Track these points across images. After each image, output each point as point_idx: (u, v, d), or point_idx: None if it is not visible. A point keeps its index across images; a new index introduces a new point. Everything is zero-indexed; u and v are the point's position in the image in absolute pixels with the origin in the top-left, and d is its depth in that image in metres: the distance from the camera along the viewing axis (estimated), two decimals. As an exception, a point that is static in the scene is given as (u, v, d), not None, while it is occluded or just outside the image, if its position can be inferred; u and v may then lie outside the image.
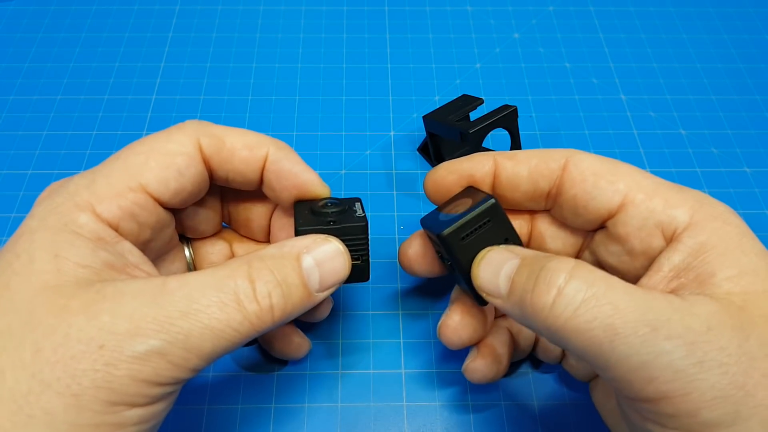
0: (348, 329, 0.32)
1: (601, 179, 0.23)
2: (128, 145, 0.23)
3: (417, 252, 0.27)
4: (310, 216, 0.24)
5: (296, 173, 0.25)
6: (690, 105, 0.43)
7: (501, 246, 0.23)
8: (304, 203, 0.25)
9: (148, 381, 0.18)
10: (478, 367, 0.27)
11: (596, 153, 0.40)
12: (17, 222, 0.36)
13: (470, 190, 0.25)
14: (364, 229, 0.24)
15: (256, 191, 0.27)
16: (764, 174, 0.39)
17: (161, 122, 0.41)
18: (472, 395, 0.30)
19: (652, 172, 0.40)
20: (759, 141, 0.41)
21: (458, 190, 0.26)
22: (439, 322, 0.27)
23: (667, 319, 0.18)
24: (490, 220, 0.23)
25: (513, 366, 0.31)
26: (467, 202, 0.24)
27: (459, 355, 0.29)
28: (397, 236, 0.36)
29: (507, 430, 0.29)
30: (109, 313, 0.18)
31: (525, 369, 0.31)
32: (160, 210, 0.23)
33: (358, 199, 0.26)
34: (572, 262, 0.20)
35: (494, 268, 0.22)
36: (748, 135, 0.41)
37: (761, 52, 0.46)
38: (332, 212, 0.24)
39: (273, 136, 0.40)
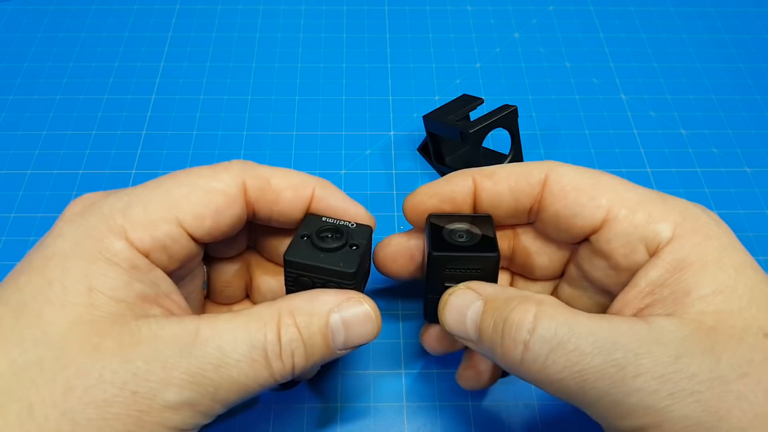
0: (348, 329, 0.32)
1: (582, 195, 0.23)
2: (171, 173, 0.22)
3: (394, 252, 0.27)
4: (307, 244, 0.23)
5: (344, 209, 0.25)
6: (690, 105, 0.43)
7: (461, 286, 0.23)
8: (315, 219, 0.24)
9: (175, 428, 0.18)
10: (469, 375, 0.27)
11: (597, 153, 0.40)
12: (17, 222, 0.36)
13: (487, 223, 0.24)
14: (352, 277, 0.22)
15: None
16: (764, 174, 0.39)
17: (161, 122, 0.41)
18: (472, 395, 0.30)
19: (652, 172, 0.40)
20: (759, 141, 0.41)
21: (439, 213, 0.25)
22: (421, 330, 0.27)
23: (634, 355, 0.18)
24: (481, 269, 0.23)
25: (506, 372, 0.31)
26: (476, 233, 0.24)
27: (459, 355, 0.29)
28: (397, 236, 0.36)
29: (507, 430, 0.29)
30: (143, 359, 0.18)
31: (525, 369, 0.31)
32: (192, 244, 0.22)
33: (370, 230, 0.24)
34: (533, 308, 0.20)
35: (459, 313, 0.22)
36: (748, 135, 0.41)
37: (761, 52, 0.46)
38: (328, 247, 0.23)
39: (273, 136, 0.40)
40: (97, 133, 0.40)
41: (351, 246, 0.23)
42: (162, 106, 0.42)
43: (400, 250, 0.27)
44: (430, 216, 0.25)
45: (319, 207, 0.24)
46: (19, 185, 0.38)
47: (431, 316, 0.24)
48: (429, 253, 0.23)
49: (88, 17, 0.47)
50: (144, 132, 0.40)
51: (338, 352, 0.22)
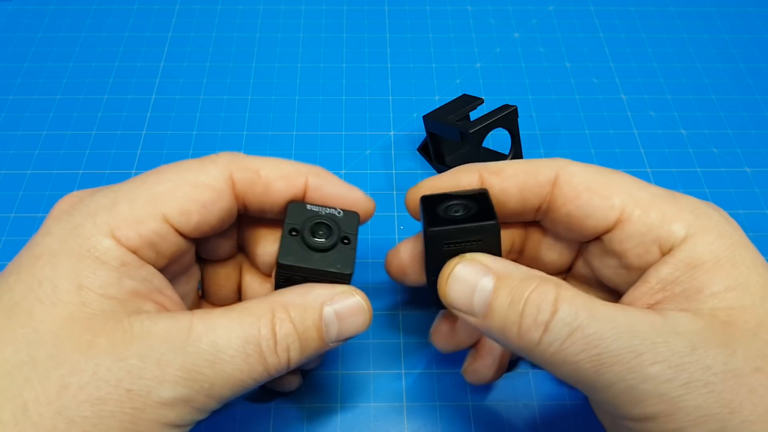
0: (348, 329, 0.32)
1: (595, 195, 0.22)
2: (157, 168, 0.22)
3: (410, 258, 0.26)
4: (298, 243, 0.22)
5: (341, 196, 0.24)
6: (690, 105, 0.43)
7: (467, 257, 0.22)
8: (299, 208, 0.23)
9: (170, 424, 0.18)
10: (477, 369, 0.27)
11: (597, 153, 0.40)
12: (17, 222, 0.36)
13: (483, 196, 0.23)
14: (349, 278, 0.22)
15: (274, 224, 0.26)
16: (764, 174, 0.39)
17: (161, 122, 0.41)
18: (472, 395, 0.30)
19: (652, 172, 0.40)
20: (759, 141, 0.41)
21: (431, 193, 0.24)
22: (432, 328, 0.27)
23: (651, 343, 0.18)
24: (482, 240, 0.22)
25: (512, 364, 0.31)
26: (473, 208, 0.23)
27: (459, 355, 0.29)
28: (397, 236, 0.36)
29: (507, 430, 0.29)
30: (137, 356, 0.18)
31: (525, 369, 0.31)
32: (181, 240, 0.22)
33: (357, 216, 0.24)
34: (553, 291, 0.20)
35: (467, 287, 0.21)
36: (748, 135, 0.41)
37: (761, 52, 0.46)
38: (320, 247, 0.22)
39: (273, 136, 0.40)
40: (97, 133, 0.40)
41: (343, 240, 0.23)
42: (162, 106, 0.42)
43: (413, 256, 0.26)
44: (423, 197, 0.24)
45: (314, 197, 0.24)
46: (19, 185, 0.38)
47: (438, 301, 0.23)
48: (425, 231, 0.22)
49: (88, 17, 0.47)
50: (144, 132, 0.40)
51: (331, 344, 0.22)
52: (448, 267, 0.22)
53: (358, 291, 0.22)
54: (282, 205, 0.23)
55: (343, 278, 0.22)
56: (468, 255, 0.22)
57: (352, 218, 0.23)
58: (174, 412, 0.18)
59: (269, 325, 0.20)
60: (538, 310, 0.19)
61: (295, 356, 0.21)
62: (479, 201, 0.23)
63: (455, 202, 0.23)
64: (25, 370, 0.17)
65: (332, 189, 0.24)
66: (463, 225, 0.22)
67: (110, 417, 0.17)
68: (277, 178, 0.23)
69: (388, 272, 0.27)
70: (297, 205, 0.23)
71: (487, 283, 0.21)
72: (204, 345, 0.19)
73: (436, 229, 0.22)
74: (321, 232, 0.23)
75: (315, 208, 0.23)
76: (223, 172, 0.22)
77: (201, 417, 0.19)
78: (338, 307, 0.21)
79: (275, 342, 0.20)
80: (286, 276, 0.22)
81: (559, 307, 0.19)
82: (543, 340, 0.19)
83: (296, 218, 0.23)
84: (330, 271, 0.22)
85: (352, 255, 0.22)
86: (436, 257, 0.23)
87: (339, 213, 0.23)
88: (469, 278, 0.21)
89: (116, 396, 0.17)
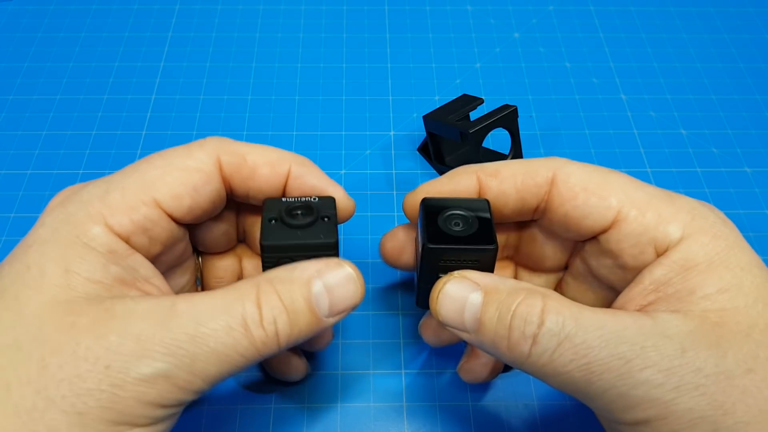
0: (348, 329, 0.32)
1: (592, 195, 0.22)
2: (147, 156, 0.22)
3: (401, 245, 0.27)
4: (278, 225, 0.23)
5: (321, 189, 0.24)
6: (690, 105, 0.43)
7: (456, 274, 0.22)
8: (275, 202, 0.23)
9: (153, 403, 0.18)
10: (471, 368, 0.27)
11: (597, 153, 0.40)
12: (17, 222, 0.36)
13: (484, 210, 0.23)
14: (334, 246, 0.22)
15: None
16: (764, 174, 0.39)
17: (161, 122, 0.41)
18: (472, 395, 0.30)
19: (652, 172, 0.40)
20: (759, 141, 0.41)
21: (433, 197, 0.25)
22: (421, 321, 0.28)
23: (640, 348, 0.18)
24: (478, 261, 0.22)
25: (508, 365, 0.31)
26: (474, 222, 0.23)
27: (458, 355, 0.29)
28: (397, 236, 0.36)
29: (507, 430, 0.29)
30: (116, 333, 0.18)
31: (525, 369, 0.31)
32: (173, 225, 0.22)
33: (333, 200, 0.24)
34: (540, 302, 0.20)
35: (457, 304, 0.21)
36: (748, 135, 0.41)
37: (761, 52, 0.46)
38: (301, 224, 0.22)
39: (273, 136, 0.40)
40: (97, 133, 0.40)
41: (322, 218, 0.23)
42: (162, 106, 0.42)
43: (407, 242, 0.27)
44: (425, 200, 0.24)
45: (295, 185, 0.24)
46: (19, 185, 0.38)
47: (424, 302, 0.24)
48: (423, 245, 0.22)
49: (88, 17, 0.47)
50: (144, 132, 0.40)
51: (326, 319, 0.21)
52: (438, 286, 0.22)
53: (347, 262, 0.22)
54: (266, 192, 0.24)
55: (328, 248, 0.22)
56: (456, 273, 0.22)
57: (329, 202, 0.24)
58: (154, 389, 0.18)
59: (254, 299, 0.20)
60: (525, 323, 0.20)
61: (284, 329, 0.20)
62: (480, 215, 0.23)
63: (455, 212, 0.23)
64: (9, 352, 0.18)
65: (313, 180, 0.24)
66: (463, 246, 0.22)
67: (88, 395, 0.17)
68: (262, 164, 0.23)
69: (381, 255, 0.27)
70: (272, 200, 0.24)
71: (475, 298, 0.21)
72: (185, 320, 0.18)
73: (435, 246, 0.22)
74: (300, 213, 0.23)
75: (290, 199, 0.24)
76: (210, 156, 0.23)
77: (187, 397, 0.19)
78: (327, 279, 0.21)
79: (261, 315, 0.19)
80: (272, 260, 0.22)
81: (546, 318, 0.19)
82: (532, 353, 0.19)
83: (273, 210, 0.23)
84: (314, 243, 0.22)
85: (334, 227, 0.22)
86: (430, 268, 0.23)
87: (315, 199, 0.24)
88: (459, 295, 0.21)
89: (95, 374, 0.17)
